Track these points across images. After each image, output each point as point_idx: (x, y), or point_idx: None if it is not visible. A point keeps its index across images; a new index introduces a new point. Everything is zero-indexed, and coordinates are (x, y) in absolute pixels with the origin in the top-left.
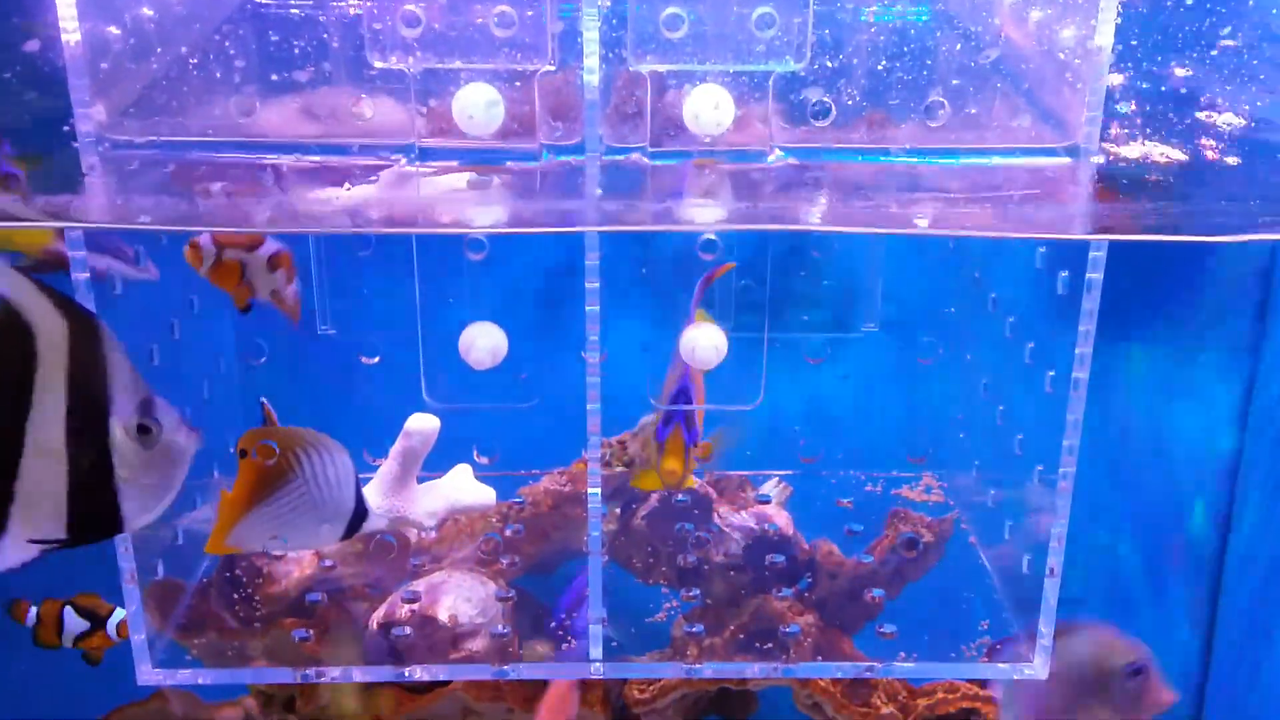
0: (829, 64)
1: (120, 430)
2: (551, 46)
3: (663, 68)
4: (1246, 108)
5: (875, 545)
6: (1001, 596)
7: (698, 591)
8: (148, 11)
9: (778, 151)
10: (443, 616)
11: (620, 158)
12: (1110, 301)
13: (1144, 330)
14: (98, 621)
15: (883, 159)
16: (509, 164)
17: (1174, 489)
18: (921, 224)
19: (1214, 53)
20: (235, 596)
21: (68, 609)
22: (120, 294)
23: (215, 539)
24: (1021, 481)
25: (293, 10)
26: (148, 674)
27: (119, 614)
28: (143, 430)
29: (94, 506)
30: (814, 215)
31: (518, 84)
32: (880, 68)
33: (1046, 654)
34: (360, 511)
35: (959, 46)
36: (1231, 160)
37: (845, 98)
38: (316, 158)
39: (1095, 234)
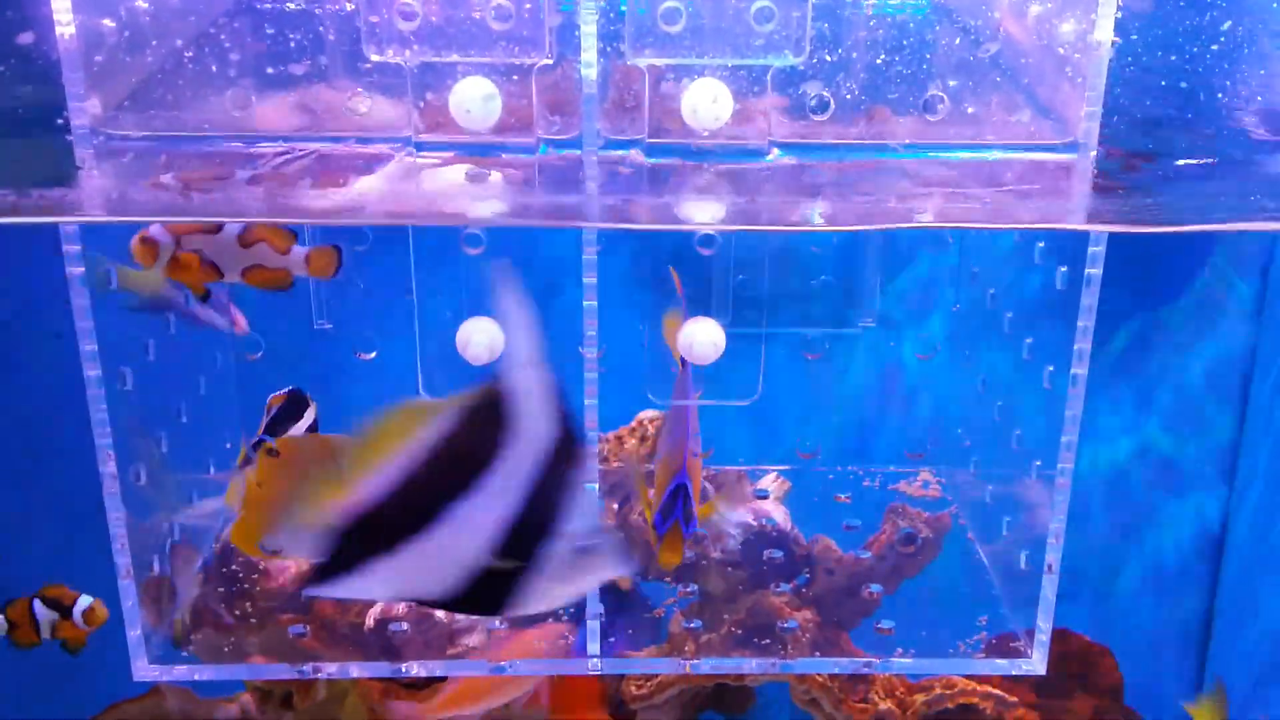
0: (828, 58)
1: (559, 544)
2: (549, 40)
3: (661, 61)
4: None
5: (873, 541)
6: (999, 593)
7: (695, 587)
8: (142, 4)
9: (776, 151)
10: (439, 612)
11: (619, 153)
12: (1107, 295)
13: (1142, 324)
14: (64, 610)
15: (882, 155)
16: (503, 156)
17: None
18: (923, 219)
19: (1215, 47)
20: (232, 592)
21: (35, 601)
22: (115, 288)
23: (246, 538)
24: (1020, 477)
25: (288, 4)
26: (144, 670)
27: (84, 601)
28: (581, 551)
29: (488, 593)
30: (814, 214)
31: (515, 78)
32: (879, 62)
33: (1045, 649)
34: None
35: (958, 41)
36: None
37: (844, 92)
38: (316, 146)
39: (1092, 224)
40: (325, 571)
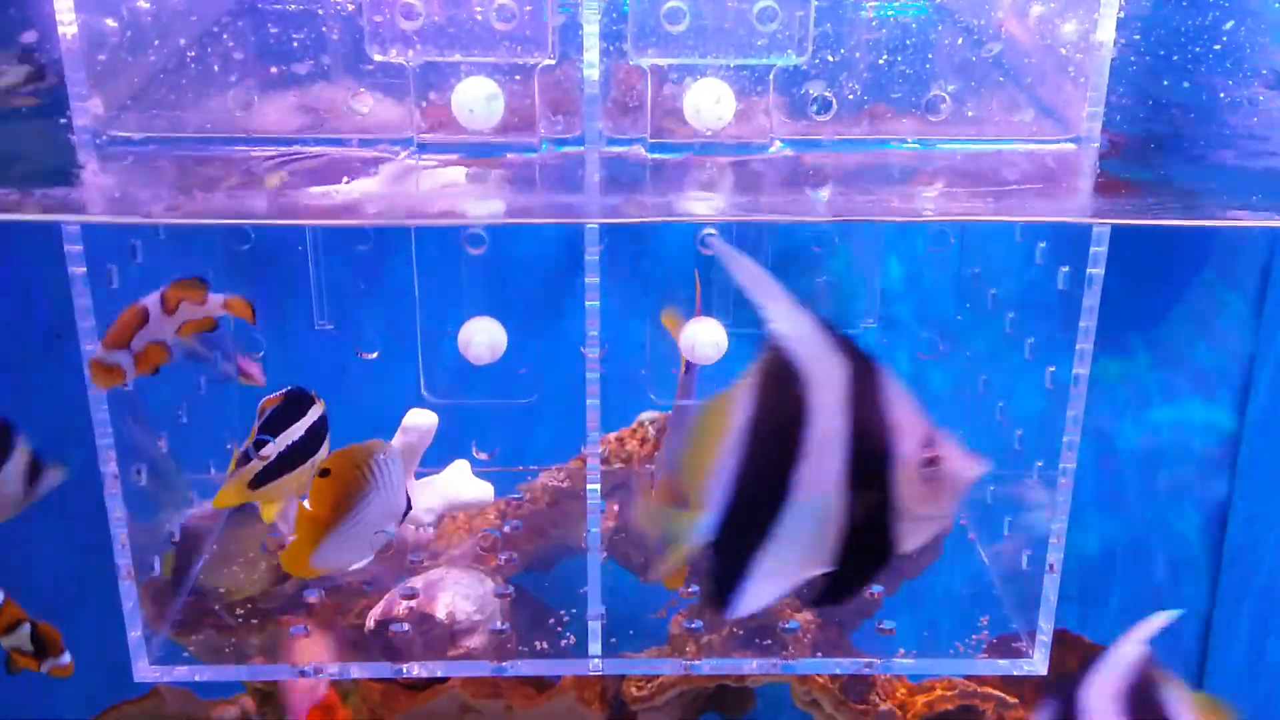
0: (830, 58)
1: (904, 469)
2: (552, 40)
3: (663, 61)
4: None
5: None
6: (1000, 593)
7: (696, 588)
8: (144, 4)
9: (778, 144)
10: (440, 613)
11: (620, 149)
12: (1109, 296)
13: (1143, 324)
14: (41, 651)
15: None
16: (508, 156)
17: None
18: (926, 212)
19: (1217, 47)
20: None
21: (26, 625)
22: (117, 288)
23: (298, 560)
24: (1021, 478)
25: (290, 4)
26: (144, 671)
27: (64, 660)
28: (927, 464)
29: (865, 542)
30: (816, 207)
31: (518, 78)
32: (881, 62)
33: (1046, 650)
34: (408, 505)
35: (960, 41)
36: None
37: (846, 92)
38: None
39: (1096, 219)
40: (721, 591)
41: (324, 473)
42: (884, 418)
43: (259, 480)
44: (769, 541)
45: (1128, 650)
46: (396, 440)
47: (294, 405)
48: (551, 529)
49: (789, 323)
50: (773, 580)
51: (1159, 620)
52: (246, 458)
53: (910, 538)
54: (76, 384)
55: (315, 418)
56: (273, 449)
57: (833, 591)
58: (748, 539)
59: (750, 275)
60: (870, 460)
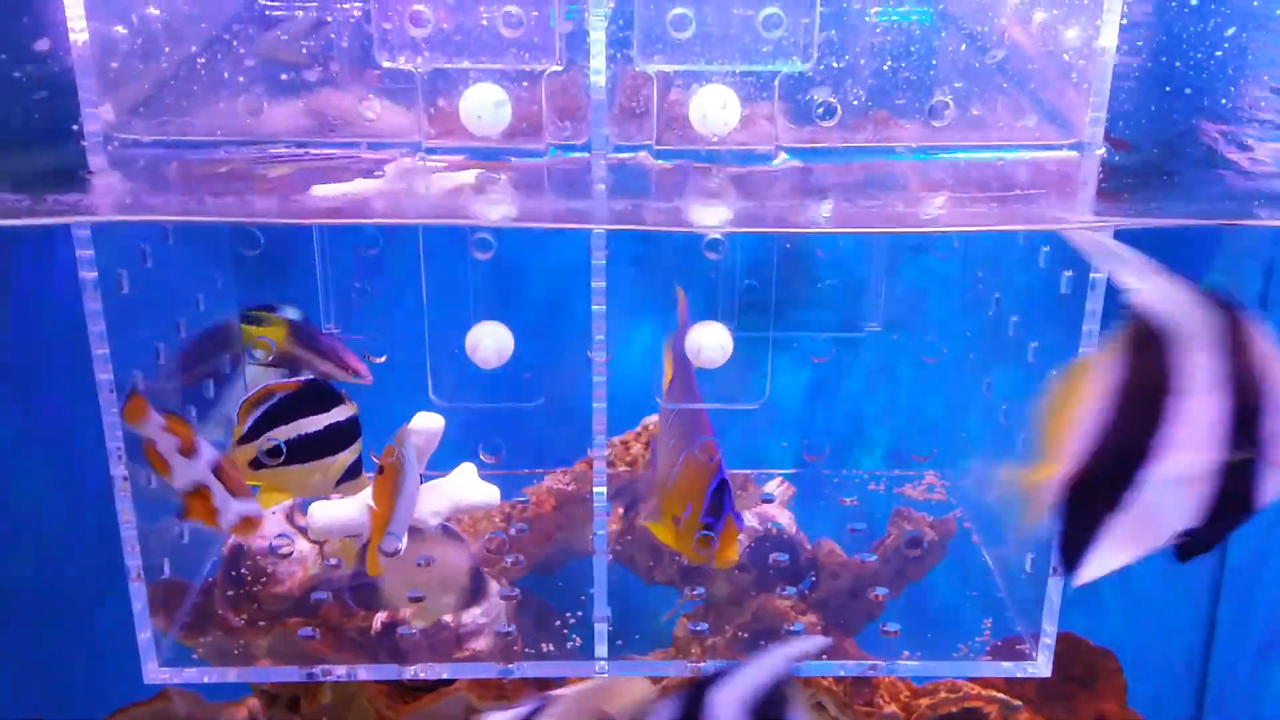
0: (835, 64)
1: (1277, 418)
2: (559, 46)
3: (669, 68)
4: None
5: (878, 544)
6: (1004, 596)
7: (701, 590)
8: (155, 11)
9: (783, 155)
10: (447, 615)
11: (626, 155)
12: (1111, 297)
13: None
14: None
15: (888, 158)
16: (513, 161)
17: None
18: (930, 223)
19: (1219, 53)
20: (240, 595)
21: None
22: (128, 293)
23: (375, 559)
24: None
25: (298, 10)
26: (154, 673)
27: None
28: None
29: (1228, 499)
30: (821, 216)
31: (525, 84)
32: (886, 68)
33: (1050, 653)
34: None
35: (964, 47)
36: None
37: (851, 98)
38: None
39: (1098, 220)
40: (1071, 554)
41: (380, 470)
42: (1256, 368)
43: (260, 464)
44: (1124, 506)
45: (766, 665)
46: None
47: (312, 398)
48: (557, 532)
49: (1153, 288)
50: (1122, 545)
51: (806, 645)
52: (249, 438)
53: (1272, 490)
54: (85, 386)
55: (341, 418)
56: (275, 436)
57: (1186, 550)
58: (1102, 502)
59: (1101, 247)
60: (1243, 413)
